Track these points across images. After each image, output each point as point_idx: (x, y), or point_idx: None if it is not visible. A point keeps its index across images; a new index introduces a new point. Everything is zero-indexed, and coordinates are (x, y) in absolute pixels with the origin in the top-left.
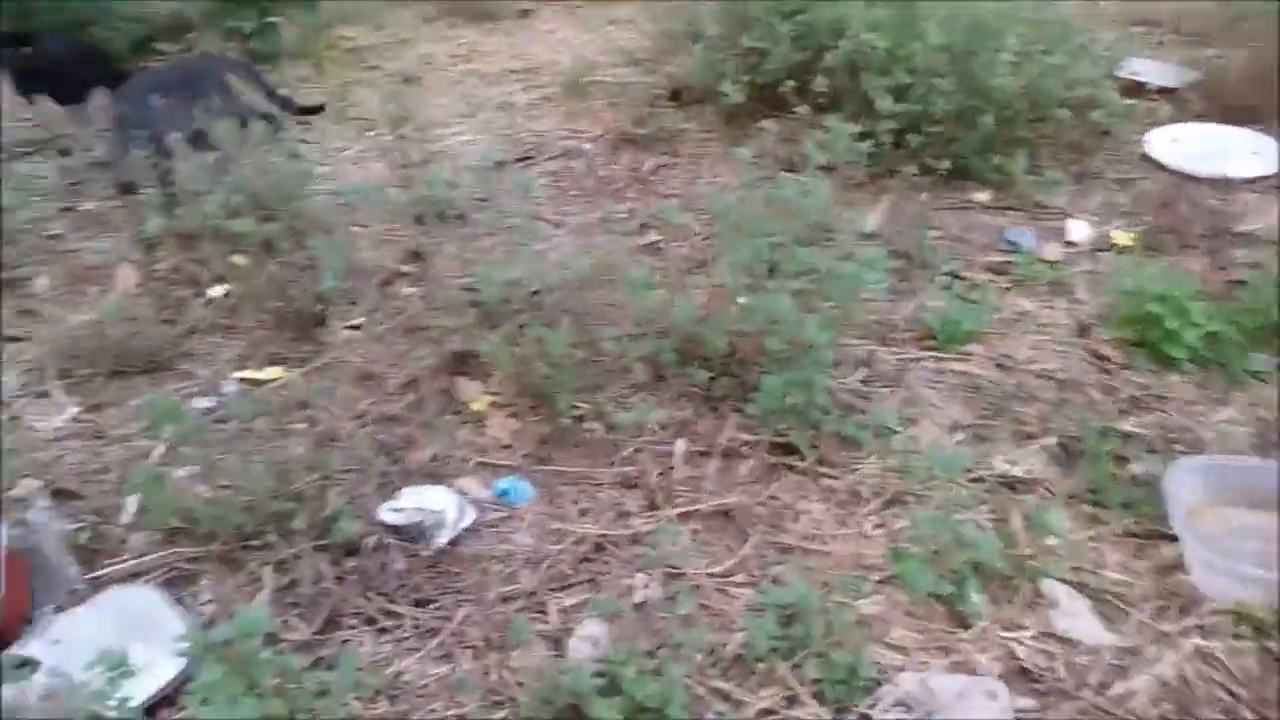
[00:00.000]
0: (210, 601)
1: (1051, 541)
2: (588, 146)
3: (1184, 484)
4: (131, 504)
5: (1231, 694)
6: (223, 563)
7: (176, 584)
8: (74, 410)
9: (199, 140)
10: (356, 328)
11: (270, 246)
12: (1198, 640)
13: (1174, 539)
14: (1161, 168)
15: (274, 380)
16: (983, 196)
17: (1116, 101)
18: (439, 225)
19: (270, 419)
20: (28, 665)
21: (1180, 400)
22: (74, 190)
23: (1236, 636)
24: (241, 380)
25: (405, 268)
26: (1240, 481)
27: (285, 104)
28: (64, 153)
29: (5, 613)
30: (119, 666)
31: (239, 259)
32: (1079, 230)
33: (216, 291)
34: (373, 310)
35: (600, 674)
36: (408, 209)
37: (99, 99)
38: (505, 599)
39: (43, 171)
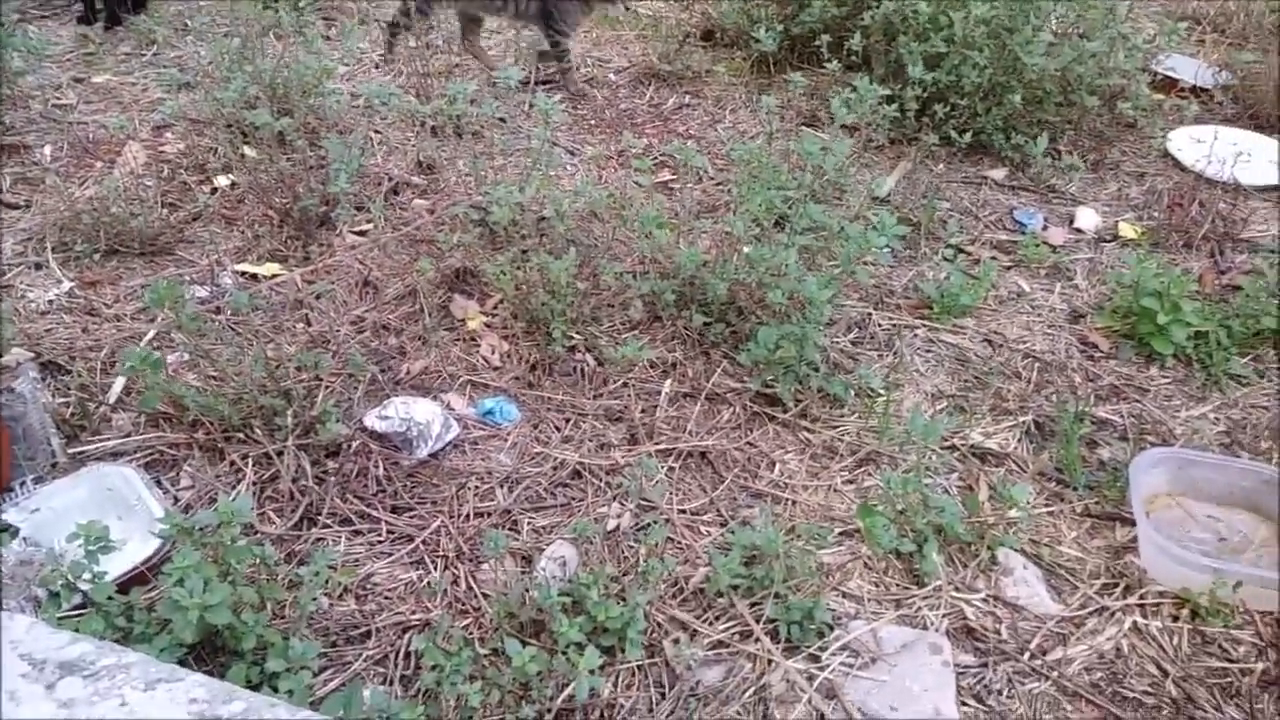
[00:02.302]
0: (190, 488)
1: (1014, 514)
2: (613, 77)
3: (1148, 473)
4: (119, 384)
5: (1161, 669)
6: (205, 451)
7: (157, 467)
8: (68, 285)
9: None
10: (361, 233)
11: (283, 141)
12: (1137, 618)
13: (1130, 523)
14: (1179, 166)
15: (273, 277)
16: (998, 174)
17: (1146, 95)
18: (454, 139)
19: (265, 315)
20: (5, 531)
21: (1158, 394)
22: (88, 60)
23: (1174, 618)
24: (240, 273)
25: (416, 179)
26: (1202, 476)
27: None
28: (82, 20)
29: None
30: (99, 540)
31: (249, 150)
32: (1087, 218)
33: (223, 181)
34: (378, 218)
35: (566, 593)
36: (425, 119)
37: None
38: (480, 514)
39: (57, 37)
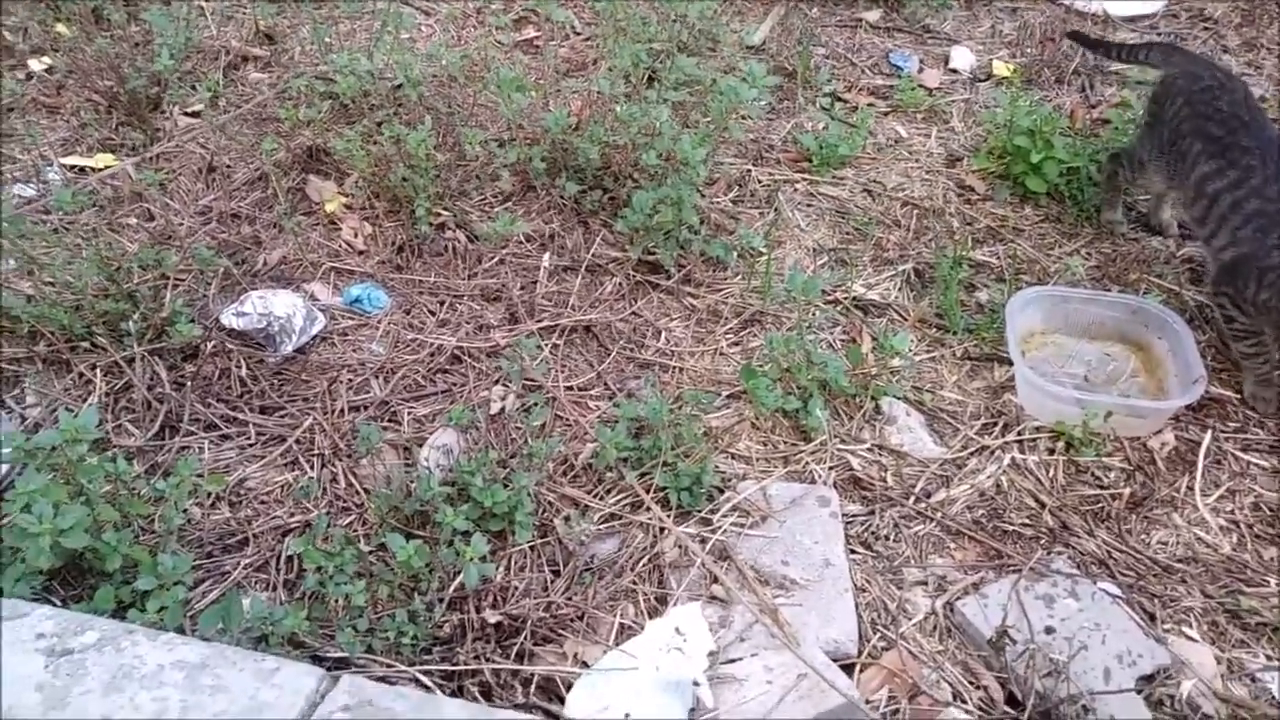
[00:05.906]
0: (34, 405)
1: (896, 363)
2: None
3: (1023, 312)
4: None
5: (1038, 501)
6: (49, 364)
7: None
8: None
9: None
10: (196, 115)
11: (99, 16)
12: (1015, 454)
13: (1008, 363)
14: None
15: (104, 169)
16: (872, 16)
17: None
18: (294, 4)
19: (100, 211)
20: None
21: (1032, 233)
22: None
23: (1050, 451)
24: (68, 167)
25: (255, 50)
26: (1074, 311)
27: None
28: None
29: None
30: None
31: (64, 28)
32: (962, 58)
33: (38, 65)
34: (215, 96)
35: (450, 482)
36: None
37: None
38: (355, 408)
39: None
